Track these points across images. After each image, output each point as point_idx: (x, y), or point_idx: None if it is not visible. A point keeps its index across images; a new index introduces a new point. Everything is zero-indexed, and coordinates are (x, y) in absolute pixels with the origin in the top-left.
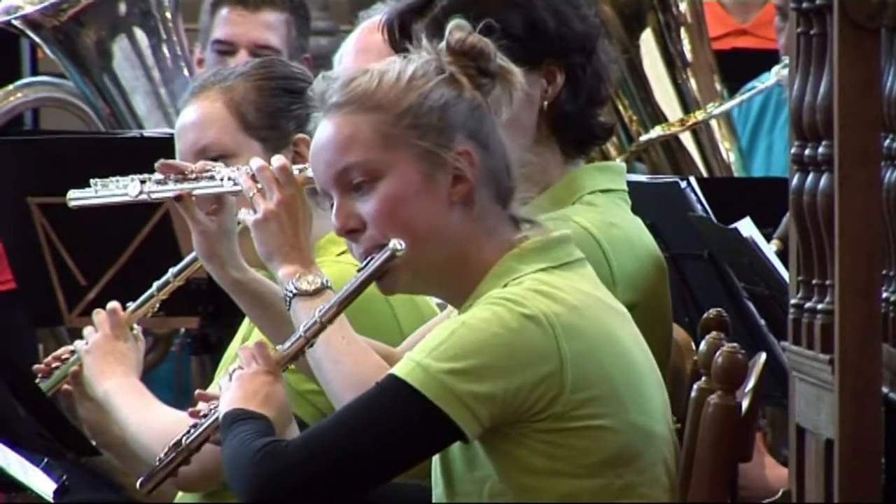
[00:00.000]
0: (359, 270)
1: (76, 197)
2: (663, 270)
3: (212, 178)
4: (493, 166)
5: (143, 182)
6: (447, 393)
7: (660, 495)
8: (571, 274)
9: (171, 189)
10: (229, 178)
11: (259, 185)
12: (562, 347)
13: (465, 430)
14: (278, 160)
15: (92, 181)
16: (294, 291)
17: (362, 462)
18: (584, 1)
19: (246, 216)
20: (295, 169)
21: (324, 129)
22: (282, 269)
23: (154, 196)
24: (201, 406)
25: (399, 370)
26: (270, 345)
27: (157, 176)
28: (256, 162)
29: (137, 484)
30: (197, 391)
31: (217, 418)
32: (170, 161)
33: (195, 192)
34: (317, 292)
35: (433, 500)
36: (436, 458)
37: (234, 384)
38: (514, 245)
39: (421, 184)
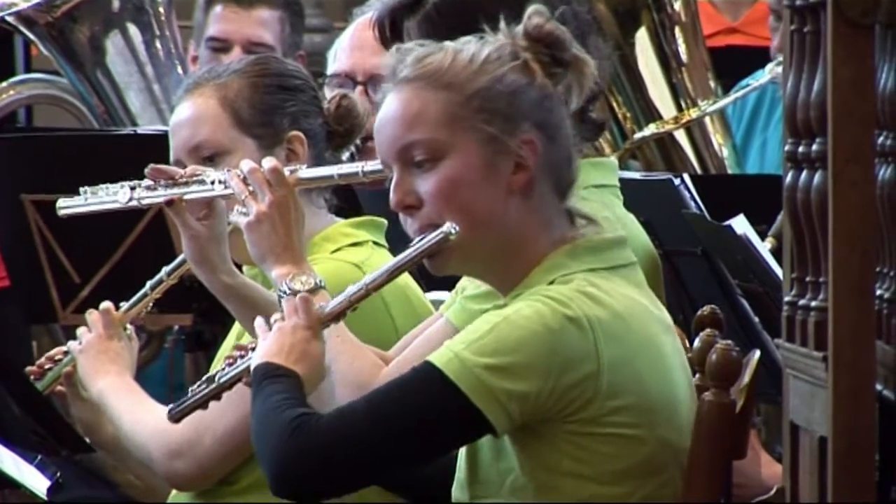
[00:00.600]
0: (411, 245)
1: (65, 205)
2: (657, 267)
3: (202, 182)
4: (556, 157)
5: (132, 188)
6: (482, 388)
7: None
8: (620, 279)
9: (161, 194)
10: (220, 182)
11: (250, 188)
12: (601, 352)
13: (495, 425)
14: (269, 161)
15: (81, 189)
16: (288, 292)
17: (391, 448)
18: None
19: (238, 218)
20: (286, 170)
21: (391, 102)
22: (275, 269)
23: (144, 202)
24: (240, 345)
25: (437, 359)
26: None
27: (147, 182)
28: (247, 164)
29: (167, 412)
30: (236, 343)
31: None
32: (160, 166)
33: (186, 196)
34: (310, 292)
35: (455, 483)
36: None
37: (272, 335)
38: (568, 241)
39: (482, 168)
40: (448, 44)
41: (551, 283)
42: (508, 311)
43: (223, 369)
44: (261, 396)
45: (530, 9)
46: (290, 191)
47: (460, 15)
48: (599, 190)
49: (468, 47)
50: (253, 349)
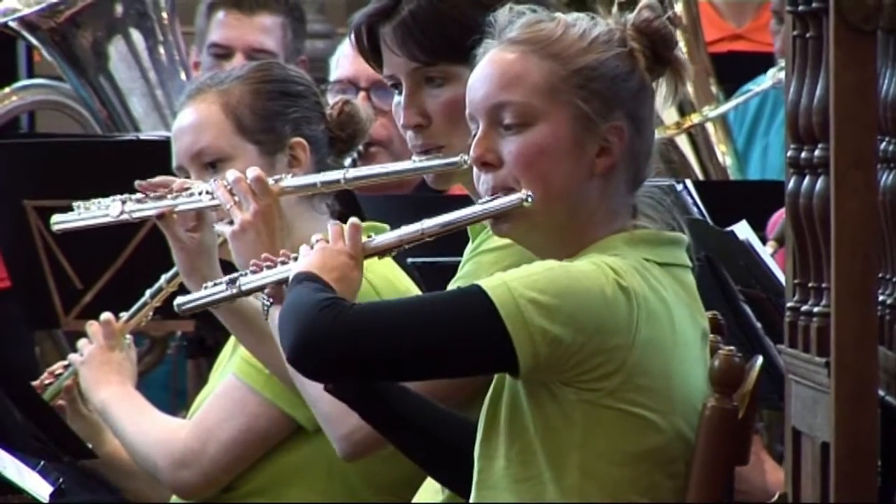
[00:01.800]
0: (482, 202)
1: (59, 221)
2: None
3: (191, 194)
4: (638, 150)
5: (123, 202)
6: (520, 318)
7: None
8: (671, 275)
9: (151, 207)
10: (207, 193)
11: (236, 197)
12: (638, 328)
13: (520, 360)
14: (253, 171)
15: (74, 204)
16: (272, 301)
17: (414, 352)
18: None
19: (223, 227)
20: (271, 179)
21: (493, 59)
22: None
23: (135, 215)
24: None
25: (486, 282)
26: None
27: (138, 195)
28: (232, 174)
29: (175, 304)
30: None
31: (282, 275)
32: (149, 180)
33: (176, 209)
34: None
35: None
36: (487, 399)
37: (315, 252)
38: (628, 230)
39: (569, 143)
40: (560, 15)
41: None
42: (567, 263)
43: (246, 273)
44: (297, 288)
45: (642, 2)
46: (274, 200)
47: (435, 21)
48: None
49: (581, 23)
50: (282, 262)
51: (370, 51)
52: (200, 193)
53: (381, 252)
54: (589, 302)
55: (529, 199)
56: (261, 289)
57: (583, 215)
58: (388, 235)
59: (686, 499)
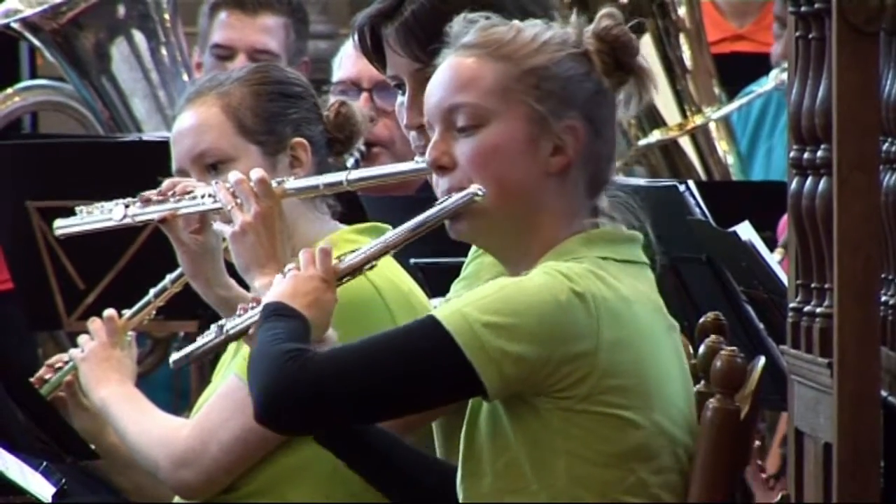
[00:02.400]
0: (437, 204)
1: (62, 226)
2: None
3: (193, 197)
4: (596, 152)
5: (126, 206)
6: (478, 344)
7: (670, 501)
8: (629, 272)
9: (154, 211)
10: (209, 196)
11: (238, 199)
12: (602, 331)
13: (486, 385)
14: (257, 172)
15: (77, 208)
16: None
17: (381, 393)
18: (554, 2)
19: (223, 228)
20: (274, 182)
21: (447, 65)
22: (258, 280)
23: (138, 219)
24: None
25: (440, 312)
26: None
27: (140, 199)
28: (234, 175)
29: (171, 360)
30: (251, 294)
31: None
32: (156, 190)
33: (179, 212)
34: None
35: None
36: (465, 420)
37: (286, 280)
38: (585, 230)
39: (523, 143)
40: (514, 21)
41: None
42: (519, 278)
43: (233, 318)
44: (264, 329)
45: (602, 11)
46: (276, 202)
47: (437, 23)
48: None
49: (532, 27)
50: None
51: (373, 51)
52: (203, 196)
53: (353, 272)
54: (546, 314)
55: (481, 193)
56: (245, 330)
57: (540, 215)
58: (356, 254)
59: (687, 498)
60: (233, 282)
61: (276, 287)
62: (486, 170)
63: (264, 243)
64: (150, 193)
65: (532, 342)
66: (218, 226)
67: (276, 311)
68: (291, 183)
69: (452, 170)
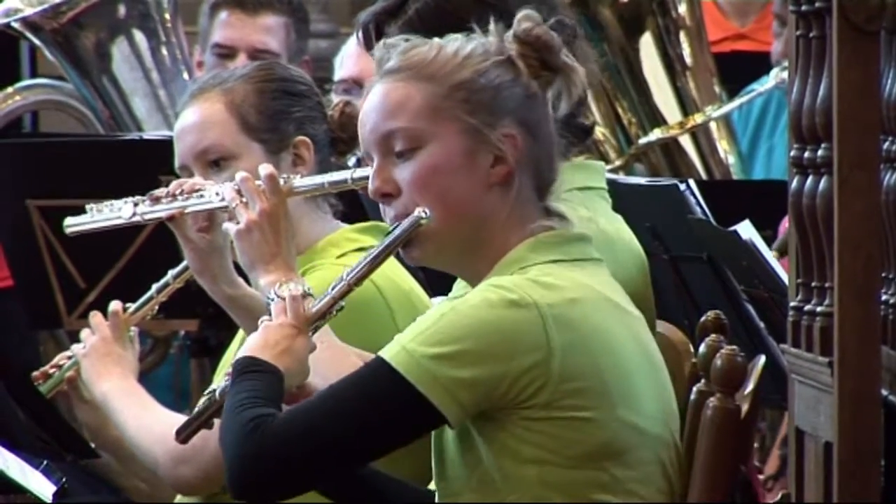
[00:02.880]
0: (386, 235)
1: (72, 224)
2: (644, 269)
3: (201, 195)
4: (537, 155)
5: (135, 204)
6: (430, 378)
7: (654, 495)
8: (579, 271)
9: (162, 209)
10: (217, 194)
11: (243, 197)
12: (551, 338)
13: (447, 415)
14: (265, 168)
15: (87, 206)
16: (275, 300)
17: (343, 443)
18: (558, 2)
19: (229, 226)
20: (280, 179)
21: (375, 93)
22: (263, 277)
23: (147, 217)
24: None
25: (386, 352)
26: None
27: (149, 197)
28: (241, 174)
29: (173, 433)
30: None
31: None
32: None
33: (187, 210)
34: None
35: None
36: (431, 441)
37: (258, 333)
38: (534, 234)
39: (461, 158)
40: (434, 39)
41: (511, 275)
42: (457, 302)
43: (221, 383)
44: (232, 392)
45: (520, 14)
46: (282, 200)
47: (441, 20)
48: (584, 192)
49: (454, 42)
50: None
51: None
52: (210, 195)
53: (322, 315)
54: (488, 333)
55: (425, 215)
56: None
57: (489, 226)
58: (323, 298)
59: (688, 498)
60: (240, 280)
61: (248, 342)
62: (428, 191)
63: (269, 241)
64: (160, 192)
65: (482, 364)
66: (226, 225)
67: (246, 368)
68: (298, 181)
69: (397, 196)
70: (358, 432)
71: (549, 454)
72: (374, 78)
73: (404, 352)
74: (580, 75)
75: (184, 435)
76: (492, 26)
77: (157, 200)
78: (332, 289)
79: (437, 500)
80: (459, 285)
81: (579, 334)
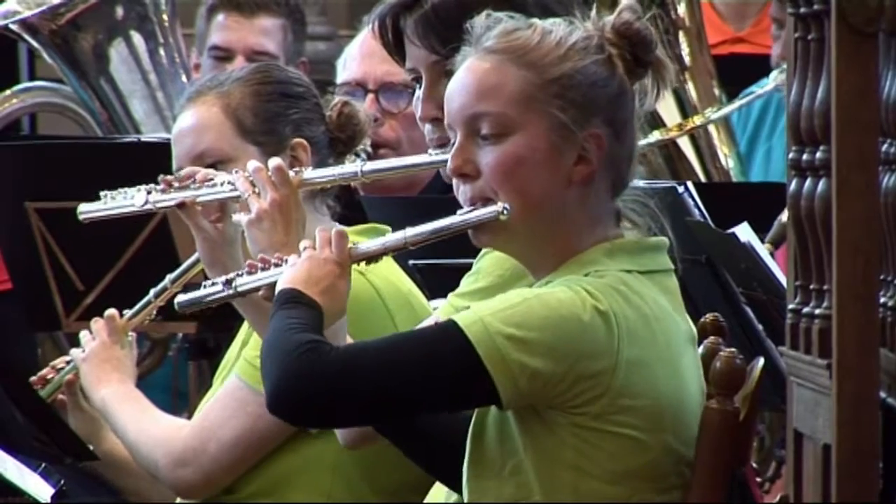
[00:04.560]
0: (460, 213)
1: (86, 210)
2: None
3: (213, 185)
4: (618, 155)
5: (148, 192)
6: (498, 355)
7: None
8: (653, 284)
9: (174, 197)
10: (229, 183)
11: (255, 188)
12: (620, 350)
13: (502, 395)
14: (274, 161)
15: (101, 193)
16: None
17: (396, 394)
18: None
19: (241, 217)
20: (291, 171)
21: (470, 69)
22: None
23: (159, 205)
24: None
25: (461, 318)
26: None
27: (162, 185)
28: (252, 164)
29: (175, 302)
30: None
31: (275, 278)
32: (175, 175)
33: (198, 199)
34: None
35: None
36: (473, 419)
37: (301, 262)
38: (609, 240)
39: (546, 153)
40: (537, 22)
41: (586, 275)
42: (543, 291)
43: (241, 274)
44: (279, 316)
45: (623, 4)
46: (292, 191)
47: (457, 16)
48: None
49: (557, 30)
50: (276, 264)
51: (393, 44)
52: (223, 184)
53: (368, 258)
54: (567, 331)
55: (506, 212)
56: (255, 290)
57: (563, 224)
58: (373, 242)
59: (686, 500)
60: None
61: (291, 270)
62: (509, 181)
63: (280, 230)
64: (171, 178)
65: (551, 358)
66: (237, 216)
67: (290, 299)
68: (308, 173)
69: (475, 178)
70: (411, 386)
71: (589, 464)
72: (468, 50)
73: (480, 322)
74: (671, 72)
75: (187, 309)
76: (593, 14)
77: (168, 187)
78: (387, 239)
79: (465, 478)
80: (468, 280)
81: (646, 353)
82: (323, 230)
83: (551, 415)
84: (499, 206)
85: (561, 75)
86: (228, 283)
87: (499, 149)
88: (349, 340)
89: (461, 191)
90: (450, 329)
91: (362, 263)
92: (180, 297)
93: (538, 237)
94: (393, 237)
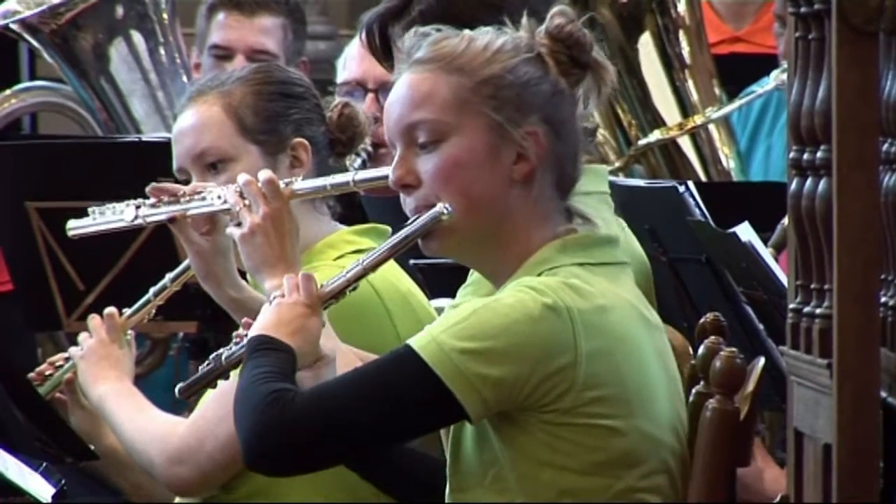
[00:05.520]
0: (406, 225)
1: (75, 227)
2: (647, 274)
3: (203, 198)
4: (560, 153)
5: (137, 207)
6: (457, 372)
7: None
8: (607, 274)
9: (164, 212)
10: (219, 197)
11: (246, 200)
12: (579, 344)
13: (468, 410)
14: (265, 174)
15: (90, 209)
16: (282, 295)
17: (364, 427)
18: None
19: (233, 230)
20: (281, 183)
21: (402, 82)
22: (268, 281)
23: (149, 220)
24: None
25: (416, 342)
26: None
27: (151, 200)
28: (243, 177)
29: (176, 390)
30: (244, 319)
31: None
32: (161, 185)
33: (189, 213)
34: None
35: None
36: (449, 434)
37: (270, 309)
38: (560, 236)
39: (484, 153)
40: (466, 31)
41: (539, 275)
42: (490, 299)
43: (230, 347)
44: (247, 367)
45: (554, 9)
46: (284, 203)
47: (445, 22)
48: (588, 196)
49: (484, 36)
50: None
51: (381, 50)
52: (213, 198)
53: (335, 295)
54: (521, 334)
55: (447, 211)
56: (239, 361)
57: (510, 223)
58: (337, 277)
59: (687, 499)
60: (244, 282)
61: (260, 318)
62: (450, 185)
63: (273, 244)
64: (160, 188)
65: (510, 363)
66: (229, 229)
67: (260, 346)
68: (299, 184)
69: (417, 187)
70: (378, 418)
71: (567, 459)
72: (401, 66)
73: (434, 343)
74: (611, 73)
75: (187, 393)
76: (524, 21)
77: (158, 201)
78: (348, 271)
79: (447, 492)
80: (464, 291)
81: (605, 342)
82: (289, 276)
83: (524, 416)
84: (440, 207)
85: (492, 76)
86: (218, 357)
87: (437, 155)
88: (353, 349)
89: (406, 202)
90: (406, 354)
91: (331, 301)
92: (181, 385)
93: (486, 239)
94: (352, 269)
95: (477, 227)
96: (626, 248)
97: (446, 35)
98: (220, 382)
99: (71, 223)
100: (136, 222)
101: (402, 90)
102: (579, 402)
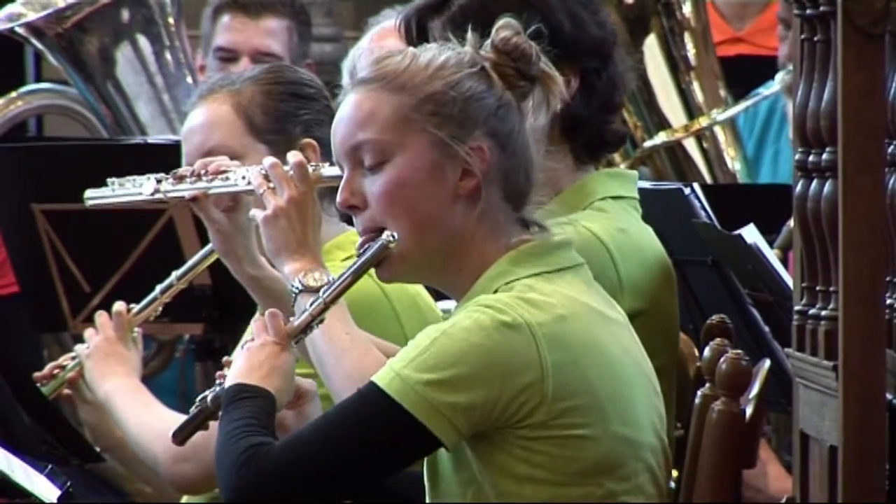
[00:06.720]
0: (358, 256)
1: (93, 196)
2: (671, 278)
3: (227, 178)
4: (508, 166)
5: (158, 181)
6: (425, 404)
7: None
8: (563, 280)
9: (186, 189)
10: (243, 178)
11: (271, 184)
12: (543, 357)
13: (443, 440)
14: (294, 156)
15: (109, 180)
16: (300, 288)
17: (341, 471)
18: (598, 3)
19: (256, 212)
20: (308, 167)
21: (347, 103)
22: (288, 265)
23: (169, 195)
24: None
25: (379, 378)
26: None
27: (172, 179)
28: (269, 160)
29: (171, 434)
30: (224, 358)
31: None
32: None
33: (210, 192)
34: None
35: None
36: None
37: (241, 355)
38: (513, 247)
39: (428, 171)
40: (409, 48)
41: (496, 291)
42: (447, 325)
43: (213, 389)
44: (225, 421)
45: (500, 22)
46: (310, 188)
47: (484, 18)
48: (617, 201)
49: (427, 52)
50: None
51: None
52: (236, 178)
53: (304, 329)
54: (481, 356)
55: (393, 238)
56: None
57: (460, 239)
58: (301, 315)
59: (691, 500)
60: (264, 260)
61: (233, 366)
62: (395, 205)
63: (296, 229)
64: (184, 170)
65: (477, 387)
66: (253, 212)
67: (235, 397)
68: (327, 170)
69: (364, 209)
70: (354, 460)
71: (546, 473)
72: (346, 87)
73: (398, 378)
74: (559, 84)
75: (180, 438)
76: (469, 35)
77: (180, 179)
78: (310, 305)
79: None
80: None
81: (571, 352)
82: (255, 319)
83: (499, 434)
84: (386, 236)
85: (433, 92)
86: (203, 400)
87: (381, 175)
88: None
89: (356, 223)
90: (372, 393)
91: (301, 335)
92: (174, 430)
93: (437, 258)
94: (314, 304)
95: (425, 247)
96: (651, 253)
97: (389, 53)
98: (237, 351)
99: (89, 192)
100: (155, 196)
101: (346, 111)
102: (552, 415)
